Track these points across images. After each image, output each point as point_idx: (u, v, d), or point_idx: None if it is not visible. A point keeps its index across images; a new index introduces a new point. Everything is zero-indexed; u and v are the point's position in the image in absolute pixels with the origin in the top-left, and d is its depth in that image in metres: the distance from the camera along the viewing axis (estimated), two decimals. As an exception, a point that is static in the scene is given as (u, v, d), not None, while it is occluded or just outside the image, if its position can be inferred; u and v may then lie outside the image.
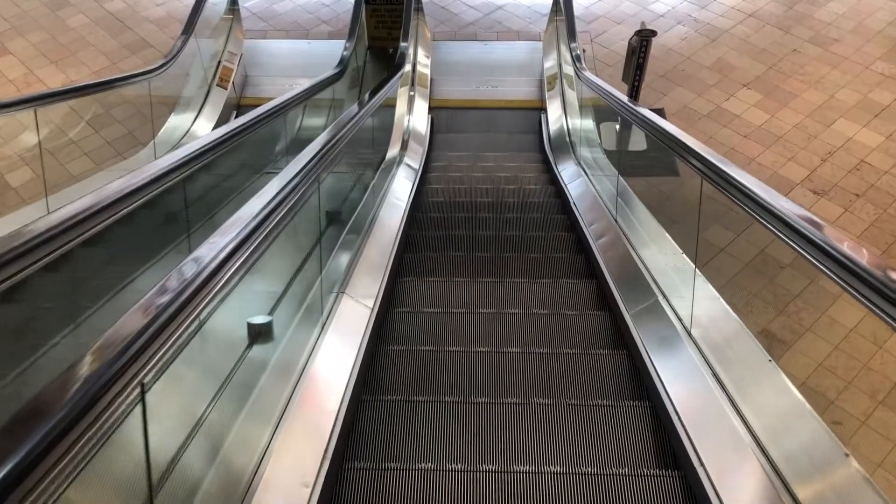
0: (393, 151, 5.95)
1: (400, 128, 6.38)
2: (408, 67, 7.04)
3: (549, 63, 7.86)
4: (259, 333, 2.52)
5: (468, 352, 3.07)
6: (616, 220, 4.29)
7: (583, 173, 5.66)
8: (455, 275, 4.07)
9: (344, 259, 3.54)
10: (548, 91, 7.64)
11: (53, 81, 8.12)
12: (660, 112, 7.82)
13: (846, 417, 5.19)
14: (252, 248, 2.01)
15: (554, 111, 7.16)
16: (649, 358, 2.86)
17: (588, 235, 4.30)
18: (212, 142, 3.29)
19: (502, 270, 4.12)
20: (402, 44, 6.53)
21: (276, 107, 4.27)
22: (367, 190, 4.58)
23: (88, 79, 8.24)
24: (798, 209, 2.07)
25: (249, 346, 2.50)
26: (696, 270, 2.98)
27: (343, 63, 6.36)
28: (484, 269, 4.12)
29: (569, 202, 5.18)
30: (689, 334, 2.85)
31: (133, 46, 8.68)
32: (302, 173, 2.60)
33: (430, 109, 7.83)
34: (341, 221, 4.17)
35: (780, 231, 2.07)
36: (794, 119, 7.63)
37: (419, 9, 8.05)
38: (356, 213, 4.30)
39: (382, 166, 5.56)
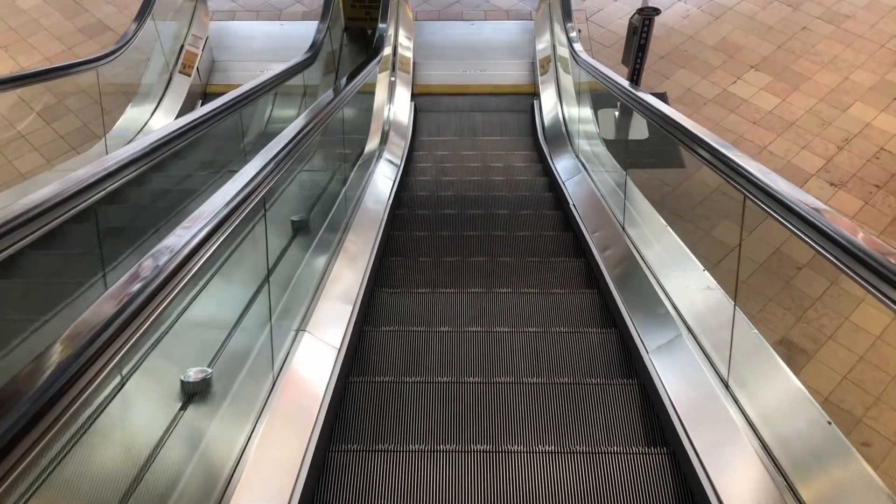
0: (372, 145, 5.45)
1: (379, 118, 5.87)
2: (387, 51, 6.52)
3: (542, 45, 7.36)
4: (195, 393, 2.05)
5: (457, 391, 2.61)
6: (624, 229, 3.82)
7: (582, 169, 5.18)
8: (442, 285, 3.63)
9: (309, 283, 3.06)
10: (541, 75, 7.14)
11: (1, 69, 7.55)
12: (662, 96, 7.34)
13: (875, 437, 4.77)
14: (175, 290, 1.55)
15: (548, 98, 6.66)
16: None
17: (599, 261, 3.76)
18: (158, 140, 2.82)
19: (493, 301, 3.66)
20: (381, 25, 6.01)
21: (235, 98, 3.78)
22: (341, 193, 4.10)
23: (41, 65, 7.68)
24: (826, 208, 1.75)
25: (184, 407, 2.04)
26: (736, 308, 2.52)
27: (315, 47, 5.84)
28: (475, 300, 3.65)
29: (567, 202, 4.71)
30: (728, 387, 2.39)
31: (90, 30, 8.11)
32: (250, 187, 2.12)
33: (414, 96, 7.33)
34: (309, 232, 3.69)
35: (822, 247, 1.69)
36: (806, 103, 7.17)
37: (400, -14, 7.53)
38: (328, 219, 3.82)
39: (360, 162, 5.07)
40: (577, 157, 5.47)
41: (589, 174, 5.07)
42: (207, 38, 7.53)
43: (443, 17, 8.41)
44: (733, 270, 3.01)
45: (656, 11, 6.11)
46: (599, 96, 5.99)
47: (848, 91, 7.28)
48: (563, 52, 6.80)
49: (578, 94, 5.93)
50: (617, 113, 6.84)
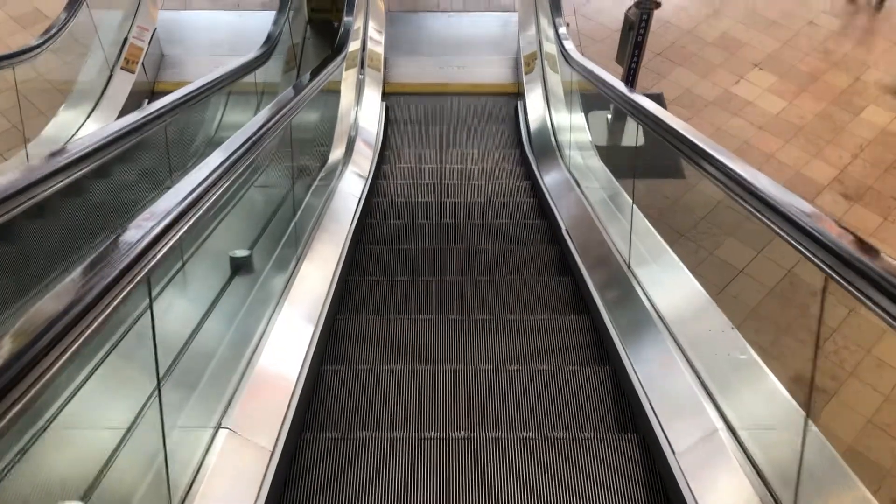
0: (335, 155, 4.84)
1: (345, 123, 5.26)
2: (354, 46, 5.90)
3: (527, 40, 6.76)
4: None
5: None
6: (630, 269, 3.24)
7: (574, 186, 4.59)
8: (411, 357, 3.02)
9: (241, 350, 2.45)
10: (525, 73, 6.54)
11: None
12: (658, 98, 6.79)
13: (909, 494, 4.26)
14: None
15: (534, 101, 6.07)
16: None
17: (606, 321, 3.14)
18: (79, 151, 2.26)
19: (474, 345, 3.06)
20: (346, 17, 5.38)
21: (172, 102, 3.19)
22: (293, 219, 3.49)
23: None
24: None
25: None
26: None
27: (270, 42, 5.20)
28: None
29: (560, 228, 4.13)
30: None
31: (24, 19, 7.40)
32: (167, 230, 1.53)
33: (385, 95, 6.71)
34: (251, 273, 3.09)
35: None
36: (815, 106, 6.64)
37: (370, -27, 6.89)
38: (276, 252, 3.21)
39: (321, 176, 4.47)
40: (569, 171, 4.89)
41: (583, 192, 4.49)
42: (156, 29, 6.86)
43: (418, 7, 7.79)
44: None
45: (656, 4, 5.54)
46: (593, 101, 5.42)
47: (860, 92, 6.76)
48: (551, 48, 6.21)
49: (569, 98, 5.34)
50: (615, 121, 6.29)
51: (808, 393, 1.90)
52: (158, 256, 1.57)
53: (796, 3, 7.72)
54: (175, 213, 1.65)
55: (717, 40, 7.32)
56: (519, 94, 6.76)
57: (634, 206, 3.39)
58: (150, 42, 6.66)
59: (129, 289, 1.41)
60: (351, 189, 4.52)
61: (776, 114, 6.58)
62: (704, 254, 5.59)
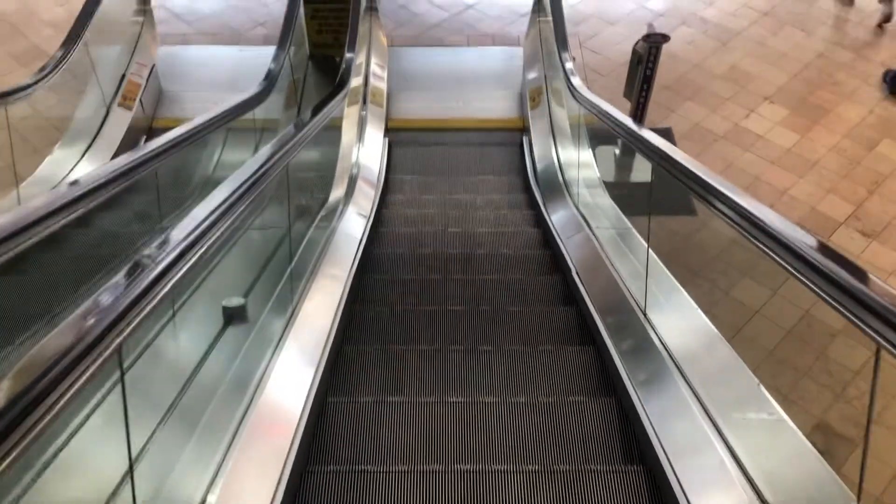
0: (336, 194, 4.70)
1: (346, 162, 5.13)
2: (356, 82, 5.79)
3: (533, 74, 6.65)
4: None
5: None
6: (646, 317, 3.07)
7: (584, 225, 4.44)
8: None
9: (231, 413, 2.28)
10: (530, 109, 6.42)
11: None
12: (667, 132, 6.67)
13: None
14: None
15: (540, 137, 5.94)
16: None
17: (622, 373, 2.95)
18: (59, 200, 2.14)
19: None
20: (348, 54, 5.28)
21: (167, 143, 3.08)
22: (287, 269, 3.34)
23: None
24: None
25: None
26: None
27: (270, 78, 5.10)
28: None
29: (570, 270, 3.97)
30: None
31: (24, 57, 7.33)
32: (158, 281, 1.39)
33: (388, 131, 6.60)
34: (242, 326, 2.94)
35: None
36: (829, 140, 6.51)
37: (373, 8, 6.82)
38: (266, 308, 3.06)
39: (319, 218, 4.33)
40: (577, 209, 4.74)
41: (592, 232, 4.34)
42: (154, 65, 6.78)
43: (421, 42, 7.70)
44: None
45: (665, 38, 5.43)
46: (600, 136, 5.28)
47: (874, 126, 6.63)
48: (557, 83, 6.11)
49: (576, 134, 5.21)
50: (623, 157, 6.15)
51: (859, 475, 1.71)
52: (129, 328, 1.41)
53: (805, 36, 7.62)
54: (149, 278, 1.50)
55: (725, 73, 7.21)
56: (524, 129, 6.64)
57: (650, 250, 3.22)
58: (148, 78, 6.57)
59: (91, 370, 1.25)
60: (351, 230, 4.37)
61: (788, 148, 6.44)
62: (719, 294, 5.42)
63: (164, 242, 1.84)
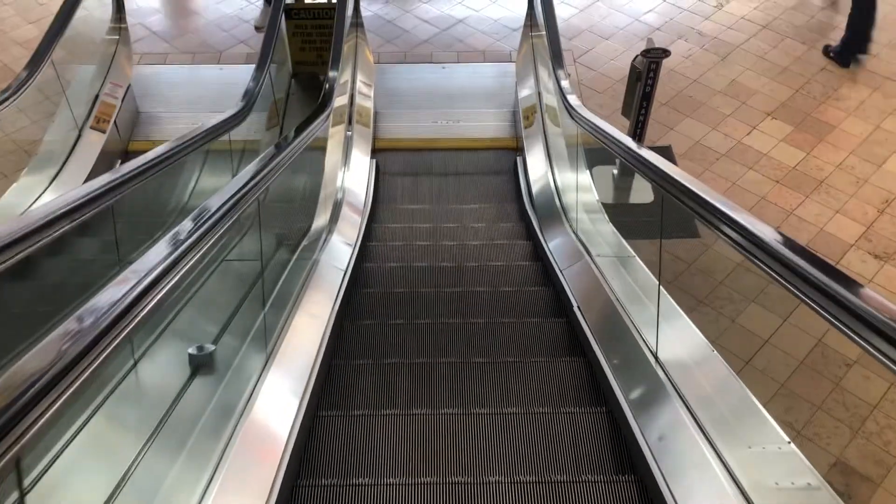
0: (319, 222, 4.42)
1: (330, 187, 4.86)
2: (341, 101, 5.54)
3: (526, 91, 6.41)
4: None
5: None
6: (658, 362, 2.80)
7: (583, 252, 4.17)
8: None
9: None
10: (524, 128, 6.18)
11: None
12: (666, 151, 6.43)
13: None
14: None
15: (535, 159, 5.69)
16: None
17: (631, 423, 2.69)
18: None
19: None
20: (331, 72, 5.02)
21: (136, 169, 2.84)
22: (262, 315, 3.07)
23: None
24: None
25: None
26: None
27: (248, 98, 4.84)
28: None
29: (571, 304, 3.70)
30: None
31: (-9, 76, 7.06)
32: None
33: (375, 152, 6.34)
34: (213, 373, 2.67)
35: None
36: (835, 157, 6.28)
37: (358, 24, 6.57)
38: (239, 354, 2.78)
39: (301, 248, 4.06)
40: (576, 235, 4.48)
41: (592, 259, 4.07)
42: (130, 85, 6.51)
43: (409, 59, 7.46)
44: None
45: (665, 53, 5.19)
46: (597, 156, 5.03)
47: (881, 142, 6.40)
48: (551, 100, 5.87)
49: (574, 155, 4.96)
50: (622, 177, 5.91)
51: None
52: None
53: (806, 49, 7.41)
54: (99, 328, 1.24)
55: (726, 89, 6.99)
56: (518, 149, 6.40)
57: (661, 287, 2.95)
58: (123, 99, 6.30)
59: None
60: (335, 262, 4.10)
61: (793, 166, 6.21)
62: (725, 322, 5.16)
63: (124, 281, 1.61)
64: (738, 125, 6.62)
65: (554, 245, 4.54)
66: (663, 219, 6.27)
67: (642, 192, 6.19)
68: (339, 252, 4.25)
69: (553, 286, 4.18)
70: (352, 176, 5.32)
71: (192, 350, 2.63)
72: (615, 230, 4.29)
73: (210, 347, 2.67)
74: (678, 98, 6.88)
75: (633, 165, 3.13)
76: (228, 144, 5.54)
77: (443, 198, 5.71)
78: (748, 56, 7.38)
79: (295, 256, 3.69)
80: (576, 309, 3.62)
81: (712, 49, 7.46)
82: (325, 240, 4.30)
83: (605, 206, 4.80)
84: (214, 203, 2.34)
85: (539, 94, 6.20)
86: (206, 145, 4.27)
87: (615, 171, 6.06)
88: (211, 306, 2.81)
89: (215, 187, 3.41)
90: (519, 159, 6.13)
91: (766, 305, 5.22)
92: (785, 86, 6.99)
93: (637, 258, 3.90)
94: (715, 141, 6.48)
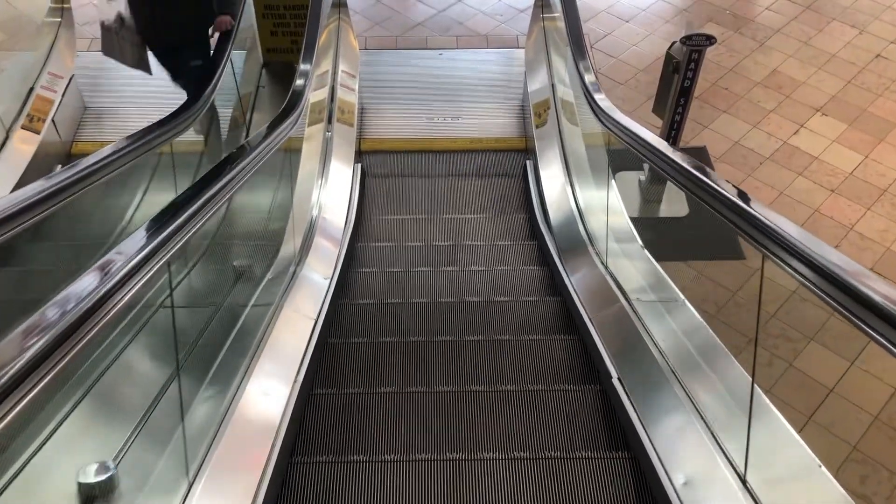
0: (285, 253, 3.61)
1: (303, 205, 4.04)
2: (318, 96, 4.73)
3: (537, 84, 5.58)
4: None
5: None
6: (748, 489, 2.00)
7: (618, 295, 3.35)
8: None
9: None
10: (536, 126, 5.35)
11: None
12: (701, 152, 5.62)
13: None
14: None
15: (549, 165, 4.87)
16: None
17: None
18: None
19: None
20: (303, 65, 4.19)
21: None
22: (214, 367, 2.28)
23: None
24: None
25: None
26: None
27: (202, 98, 4.01)
28: None
29: (610, 375, 2.89)
30: None
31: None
32: None
33: (360, 155, 5.53)
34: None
35: None
36: (899, 161, 5.48)
37: (340, 4, 5.72)
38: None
39: (263, 285, 3.26)
40: (605, 266, 3.67)
41: (630, 304, 3.27)
42: (73, 76, 5.66)
43: (401, 44, 6.62)
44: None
45: (710, 40, 4.37)
46: (621, 158, 4.21)
47: (952, 142, 5.60)
48: (567, 94, 5.05)
49: (600, 164, 4.14)
50: (651, 185, 5.12)
51: None
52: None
53: (857, 33, 6.59)
54: None
55: (766, 80, 6.16)
56: (527, 151, 5.58)
57: (755, 385, 2.14)
58: (64, 93, 5.46)
59: None
60: (305, 307, 3.28)
61: (850, 171, 5.40)
62: (780, 365, 4.37)
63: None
64: (782, 122, 5.81)
65: (578, 280, 3.73)
66: (698, 234, 5.41)
67: (675, 203, 5.39)
68: (311, 293, 3.44)
69: (578, 334, 3.37)
70: (331, 190, 4.49)
71: (82, 478, 1.84)
72: (656, 262, 3.48)
73: (108, 471, 1.87)
74: (712, 90, 6.06)
75: (711, 206, 2.31)
76: (198, 151, 4.75)
77: (439, 209, 4.90)
78: (790, 41, 6.54)
79: (246, 312, 2.88)
80: (615, 381, 2.81)
81: (749, 33, 6.63)
82: (293, 277, 3.48)
83: (634, 220, 4.00)
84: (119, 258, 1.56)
85: (553, 86, 5.37)
86: (148, 151, 3.48)
87: (642, 178, 5.26)
88: (108, 414, 2.01)
89: (160, 203, 2.62)
90: (529, 163, 5.32)
91: (830, 344, 4.44)
92: (835, 76, 6.17)
93: (689, 306, 3.12)
94: (757, 141, 5.66)
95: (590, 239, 3.97)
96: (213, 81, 4.25)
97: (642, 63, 6.32)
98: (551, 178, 4.76)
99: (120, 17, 4.68)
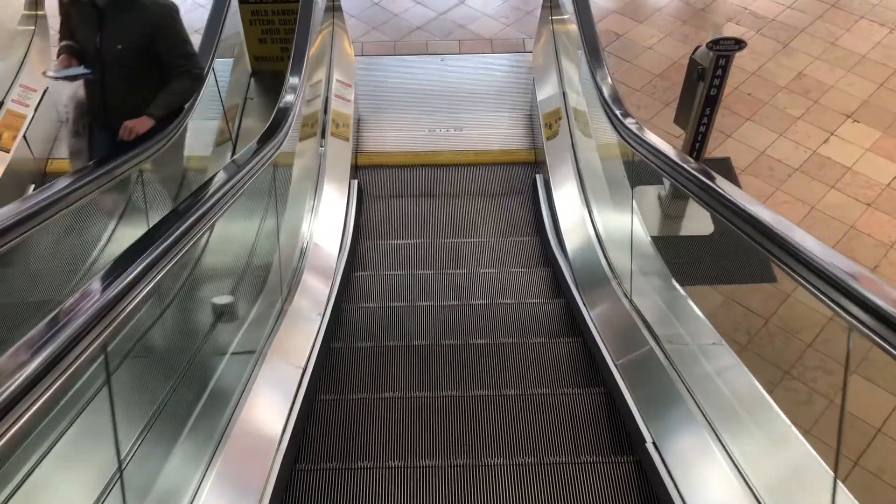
0: (272, 283, 3.24)
1: (291, 234, 3.67)
2: (312, 108, 4.37)
3: (547, 91, 5.20)
4: None
5: None
6: None
7: (647, 338, 2.98)
8: None
9: None
10: (546, 138, 4.97)
11: None
12: (724, 164, 5.25)
13: None
14: None
15: (562, 181, 4.50)
16: None
17: None
18: None
19: None
20: (291, 78, 3.81)
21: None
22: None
23: None
24: None
25: None
26: None
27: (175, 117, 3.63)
28: None
29: (643, 439, 2.52)
30: None
31: None
32: None
33: (356, 170, 5.17)
34: None
35: None
36: (940, 171, 5.10)
37: (334, 8, 5.34)
38: None
39: (245, 327, 2.90)
40: (629, 300, 3.29)
41: (662, 348, 2.89)
42: (48, 89, 5.29)
43: (400, 50, 6.25)
44: None
45: (739, 45, 3.99)
46: (643, 174, 3.84)
47: None
48: (581, 103, 4.69)
49: (620, 184, 3.76)
50: (673, 201, 4.75)
51: None
52: None
53: (887, 32, 6.21)
54: None
55: (792, 84, 5.78)
56: (537, 163, 5.21)
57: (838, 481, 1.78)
58: (37, 107, 5.09)
59: None
60: (291, 356, 2.91)
61: (887, 183, 5.02)
62: (820, 402, 3.99)
63: None
64: (811, 130, 5.43)
65: (599, 316, 3.35)
66: (722, 256, 5.01)
67: (699, 220, 5.02)
68: (299, 335, 3.06)
69: (605, 386, 3.00)
70: (323, 214, 4.11)
71: None
72: (687, 295, 3.11)
73: None
74: (734, 96, 5.68)
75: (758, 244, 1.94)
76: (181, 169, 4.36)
77: (442, 231, 4.53)
78: (816, 42, 6.16)
79: (220, 369, 2.51)
80: (649, 446, 2.44)
81: (771, 34, 6.25)
82: (279, 317, 3.11)
83: (655, 239, 3.63)
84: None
85: (564, 94, 5.00)
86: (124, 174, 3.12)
87: (662, 193, 4.89)
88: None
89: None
90: (539, 178, 4.95)
91: (874, 377, 4.06)
92: (865, 79, 5.79)
93: (728, 348, 2.76)
94: (784, 151, 5.29)
95: (611, 269, 3.60)
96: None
97: (658, 67, 5.94)
98: (565, 197, 4.38)
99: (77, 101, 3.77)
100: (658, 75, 5.87)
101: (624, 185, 3.83)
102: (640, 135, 3.02)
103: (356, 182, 4.85)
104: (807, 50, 6.08)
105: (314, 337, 3.08)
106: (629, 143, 3.15)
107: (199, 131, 4.56)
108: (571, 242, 3.95)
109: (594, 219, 3.97)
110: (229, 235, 3.21)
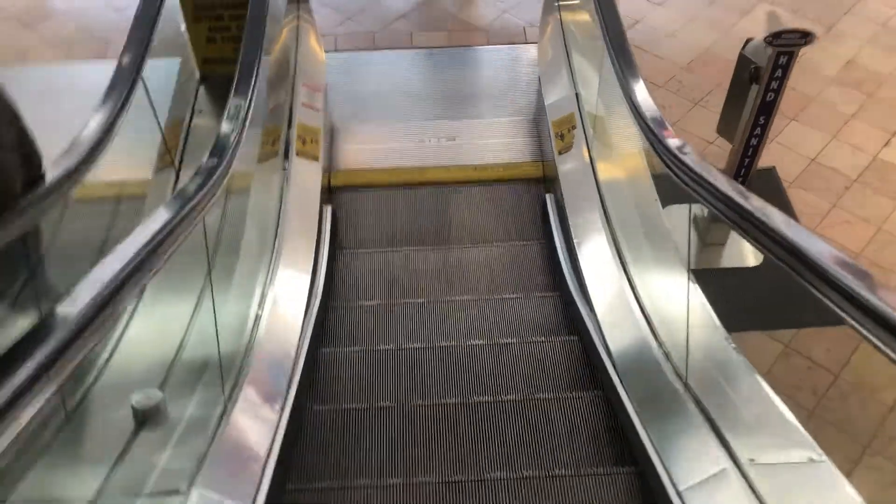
0: (210, 380, 2.45)
1: (238, 305, 2.87)
2: (268, 123, 3.56)
3: (556, 93, 4.37)
4: None
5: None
6: None
7: (717, 448, 2.20)
8: None
9: None
10: (557, 150, 4.15)
11: None
12: (769, 174, 4.46)
13: None
14: None
15: (581, 209, 3.69)
16: None
17: None
18: None
19: None
20: (234, 100, 2.99)
21: None
22: None
23: None
24: None
25: None
26: None
27: (97, 127, 2.80)
28: None
29: None
30: None
31: None
32: None
33: (332, 193, 4.37)
34: None
35: None
36: None
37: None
38: None
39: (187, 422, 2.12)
40: (686, 387, 2.51)
41: (741, 469, 2.12)
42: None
43: (380, 43, 5.41)
44: None
45: (807, 38, 3.18)
46: (663, 186, 3.04)
47: None
48: (596, 105, 3.89)
49: (653, 202, 2.98)
50: (712, 225, 3.98)
51: None
52: None
53: (944, 11, 5.41)
54: None
55: (842, 74, 4.99)
56: (546, 181, 4.42)
57: None
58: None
59: None
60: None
61: (966, 197, 4.25)
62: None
63: None
64: (868, 130, 4.64)
65: (645, 410, 2.56)
66: (773, 294, 4.19)
67: (743, 249, 4.23)
68: (241, 463, 2.27)
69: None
70: (284, 268, 3.28)
71: None
72: (768, 386, 2.34)
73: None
74: (775, 91, 4.86)
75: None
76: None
77: (437, 285, 3.72)
78: (865, 24, 5.36)
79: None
80: None
81: (813, 16, 5.42)
82: (217, 429, 2.32)
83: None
84: None
85: (576, 96, 4.19)
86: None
87: (700, 213, 4.09)
88: None
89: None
90: (549, 199, 4.17)
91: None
92: (926, 67, 5.01)
93: (832, 467, 2.03)
94: (838, 157, 4.50)
95: (654, 336, 2.81)
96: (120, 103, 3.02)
97: (683, 58, 5.14)
98: (586, 229, 3.57)
99: None
100: (684, 67, 5.06)
101: (654, 205, 3.07)
102: (707, 176, 2.22)
103: (329, 209, 4.05)
104: (854, 33, 5.28)
105: (262, 465, 2.28)
106: (687, 186, 2.35)
107: (133, 151, 3.75)
108: (601, 304, 3.15)
109: (627, 269, 3.17)
110: (149, 319, 2.42)
